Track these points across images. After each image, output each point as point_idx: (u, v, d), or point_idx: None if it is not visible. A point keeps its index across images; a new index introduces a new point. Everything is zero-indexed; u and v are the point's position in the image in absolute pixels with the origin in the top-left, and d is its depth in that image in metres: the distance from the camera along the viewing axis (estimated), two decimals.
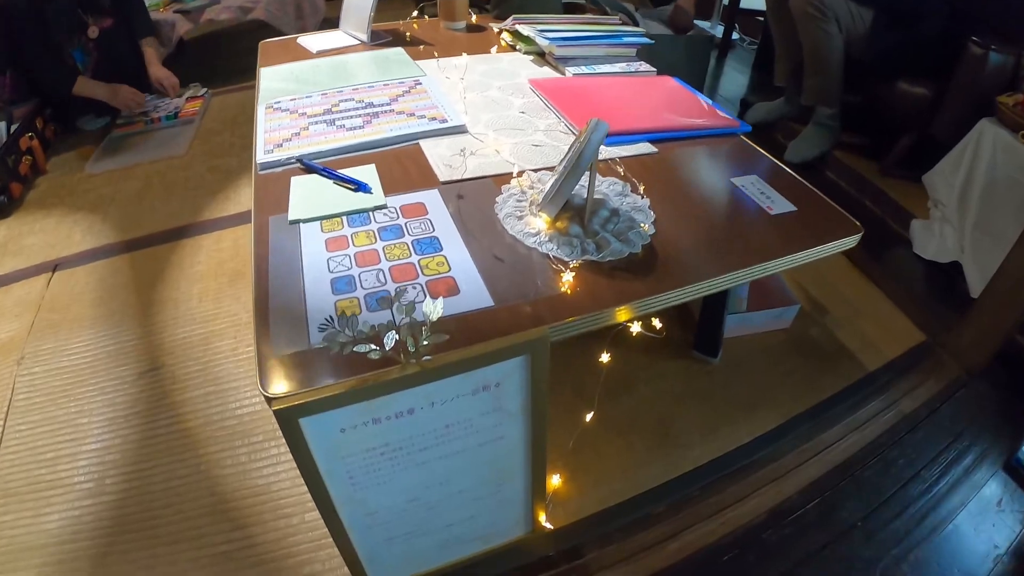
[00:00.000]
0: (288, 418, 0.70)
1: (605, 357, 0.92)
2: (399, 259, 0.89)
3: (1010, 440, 1.24)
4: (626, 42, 1.48)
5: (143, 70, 2.35)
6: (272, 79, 1.44)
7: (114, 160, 2.08)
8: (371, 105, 1.29)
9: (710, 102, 1.34)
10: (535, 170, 1.09)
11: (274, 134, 1.20)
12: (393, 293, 0.78)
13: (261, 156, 1.13)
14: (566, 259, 0.91)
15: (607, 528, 1.05)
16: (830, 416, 1.23)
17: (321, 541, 1.07)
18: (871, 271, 1.60)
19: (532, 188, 1.04)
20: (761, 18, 2.65)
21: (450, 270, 0.88)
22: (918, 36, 1.81)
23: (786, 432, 1.19)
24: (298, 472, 0.76)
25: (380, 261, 0.89)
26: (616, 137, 1.18)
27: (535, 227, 0.95)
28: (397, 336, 0.71)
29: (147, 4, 2.42)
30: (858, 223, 1.00)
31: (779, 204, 1.03)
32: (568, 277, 0.87)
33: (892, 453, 1.21)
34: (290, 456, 0.76)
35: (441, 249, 0.91)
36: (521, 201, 1.01)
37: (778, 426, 1.20)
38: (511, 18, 1.52)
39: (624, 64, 1.46)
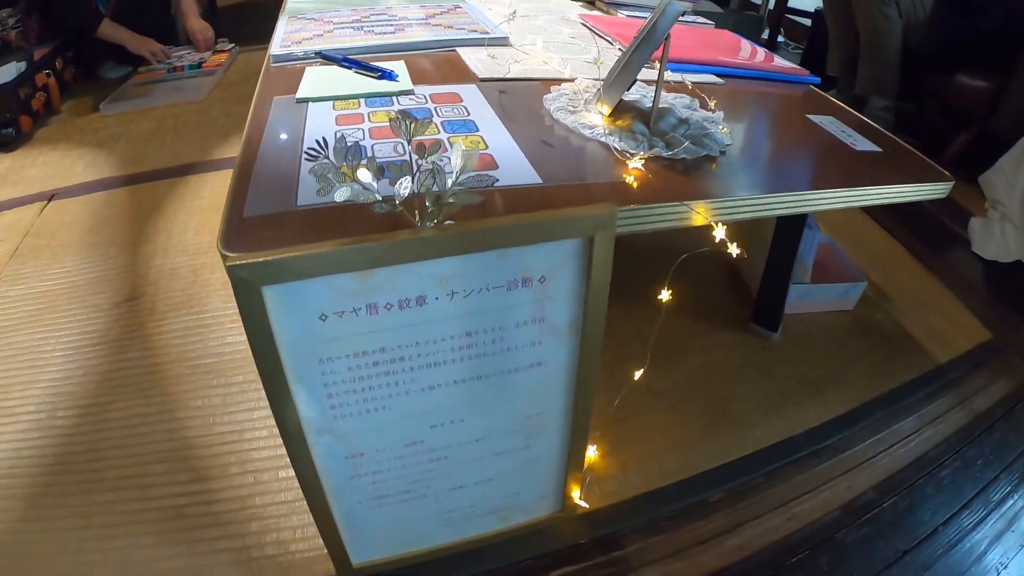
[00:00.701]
0: (248, 284, 0.48)
1: (665, 294, 0.70)
2: (422, 134, 0.68)
3: None
4: None
5: (165, 20, 2.20)
6: (299, 2, 1.25)
7: (129, 103, 1.91)
8: (405, 19, 1.10)
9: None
10: (589, 79, 0.88)
11: (294, 35, 1.01)
12: (397, 114, 0.57)
13: (276, 49, 0.94)
14: (632, 151, 0.69)
15: (654, 514, 0.81)
16: (904, 406, 1.00)
17: (295, 503, 0.83)
18: (932, 264, 1.38)
19: (587, 92, 0.83)
20: (808, 20, 2.48)
21: (486, 148, 0.67)
22: (980, 25, 1.62)
23: (858, 419, 0.95)
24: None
25: (393, 131, 0.68)
26: (680, 64, 0.97)
27: (591, 122, 0.74)
28: (413, 186, 0.50)
29: None
30: (948, 173, 0.81)
31: (862, 143, 0.84)
32: (636, 166, 0.66)
33: (970, 452, 0.97)
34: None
35: (477, 130, 0.70)
36: (574, 99, 0.80)
37: (849, 411, 0.96)
38: None
39: (683, 16, 1.27)
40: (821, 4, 2.36)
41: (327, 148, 0.50)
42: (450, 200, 0.51)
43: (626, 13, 1.24)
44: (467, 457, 0.68)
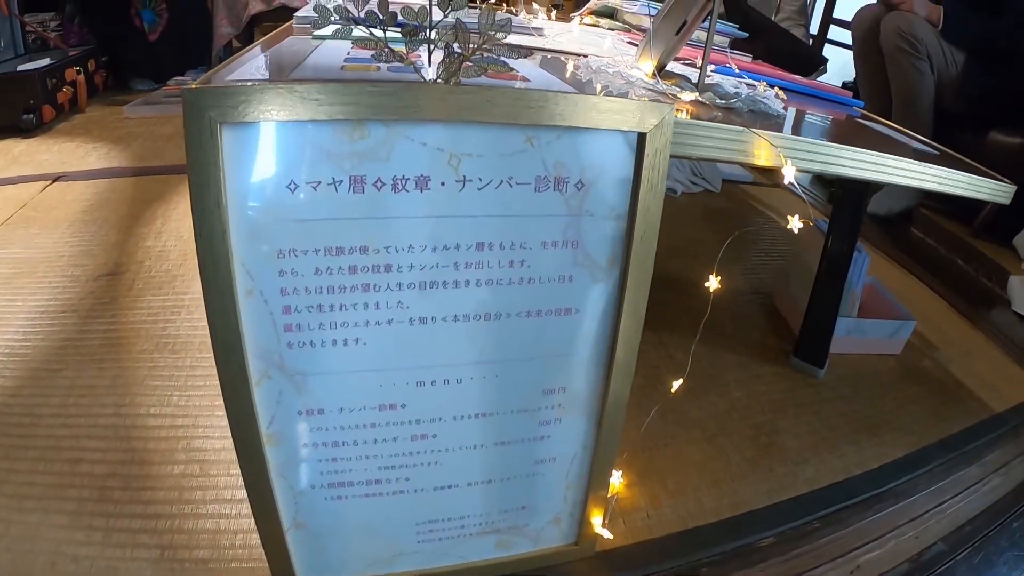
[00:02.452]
0: (202, 117, 0.37)
1: (713, 282, 0.57)
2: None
3: None
4: (719, 29, 1.26)
5: (207, 48, 2.24)
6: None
7: (155, 108, 1.89)
8: None
9: None
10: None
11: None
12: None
13: (303, 13, 0.88)
14: (679, 95, 0.60)
15: (692, 558, 0.63)
16: (966, 453, 0.84)
17: (246, 504, 0.67)
18: (974, 319, 1.26)
19: (625, 58, 0.75)
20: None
21: (515, 71, 0.57)
22: (1013, 83, 1.57)
23: (920, 463, 0.78)
24: None
25: None
26: (727, 68, 0.90)
27: (634, 75, 0.65)
28: (430, 38, 0.40)
29: None
30: (1008, 180, 0.76)
31: (919, 144, 0.76)
32: (690, 98, 0.56)
33: None
34: None
35: (507, 67, 0.61)
36: (613, 65, 0.72)
37: (909, 454, 0.80)
38: None
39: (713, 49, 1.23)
40: (849, 78, 2.37)
41: None
42: (471, 63, 0.40)
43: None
44: (462, 440, 0.52)
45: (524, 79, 0.54)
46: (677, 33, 0.62)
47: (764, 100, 0.66)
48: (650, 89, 0.61)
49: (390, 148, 0.40)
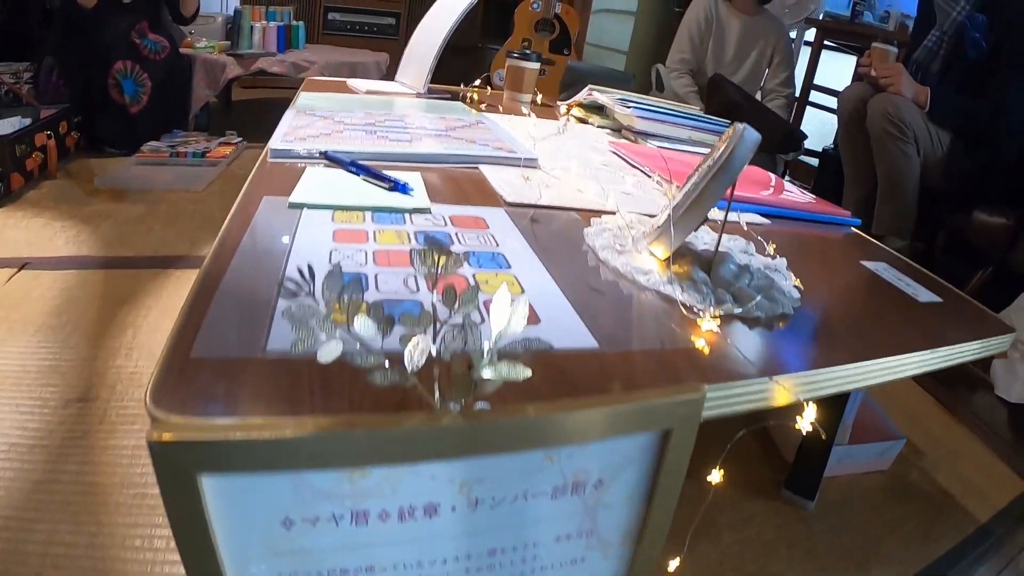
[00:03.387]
0: (177, 470, 0.30)
1: (714, 476, 0.53)
2: (441, 268, 0.53)
3: None
4: (711, 128, 1.22)
5: (185, 104, 2.17)
6: (311, 99, 1.16)
7: (126, 181, 1.79)
8: (423, 128, 0.99)
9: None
10: (635, 214, 0.76)
11: (299, 130, 0.89)
12: (424, 244, 0.41)
13: (275, 143, 0.81)
14: (698, 305, 0.54)
15: None
16: (954, 573, 0.83)
17: None
18: (957, 411, 1.27)
19: (632, 228, 0.70)
20: (815, 161, 2.48)
21: (522, 293, 0.51)
22: (998, 160, 1.58)
23: None
24: None
25: (412, 264, 0.53)
26: (722, 201, 0.86)
27: (645, 265, 0.60)
28: (435, 348, 0.34)
29: (204, 47, 2.25)
30: (1007, 323, 0.72)
31: (923, 293, 0.73)
32: (709, 327, 0.50)
33: None
34: None
35: (508, 267, 0.55)
36: (620, 236, 0.66)
37: None
38: (587, 88, 1.28)
39: (709, 150, 1.19)
40: (830, 144, 2.38)
41: (313, 281, 0.34)
42: (486, 374, 0.34)
43: (656, 143, 1.15)
44: None
45: (534, 314, 0.49)
46: (696, 228, 0.58)
47: (776, 282, 0.62)
48: (664, 296, 0.56)
49: (395, 484, 0.34)
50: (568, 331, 0.47)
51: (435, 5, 1.36)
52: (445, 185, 0.77)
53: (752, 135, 0.57)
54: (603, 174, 0.91)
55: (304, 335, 0.33)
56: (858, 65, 1.83)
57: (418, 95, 1.31)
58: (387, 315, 0.35)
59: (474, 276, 0.52)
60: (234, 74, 2.25)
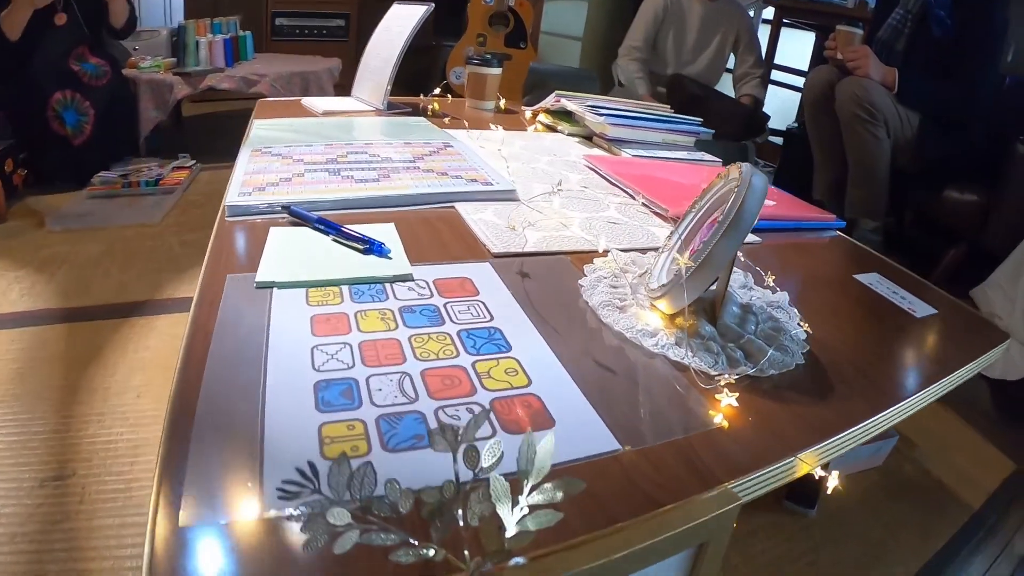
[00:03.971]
0: None
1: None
2: (439, 359, 0.48)
3: None
4: (684, 129, 1.18)
5: (134, 129, 2.02)
6: (266, 128, 1.07)
7: (80, 219, 1.66)
8: (389, 160, 0.92)
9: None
10: (623, 250, 0.71)
11: (256, 176, 0.81)
12: (438, 424, 0.36)
13: (232, 198, 0.73)
14: (711, 371, 0.51)
15: None
16: (951, 569, 0.85)
17: None
18: (943, 395, 1.29)
19: (627, 272, 0.65)
20: (780, 139, 2.47)
21: (529, 384, 0.46)
22: (967, 141, 1.59)
23: None
24: None
25: (406, 360, 0.47)
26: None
27: (648, 323, 0.56)
28: (460, 517, 0.29)
29: (149, 66, 2.10)
30: (999, 328, 0.74)
31: (919, 306, 0.72)
32: (728, 402, 0.47)
33: None
34: None
35: (508, 348, 0.50)
36: (617, 286, 0.62)
37: None
38: (553, 94, 1.22)
39: (685, 152, 1.15)
40: (793, 122, 2.37)
41: (317, 479, 0.28)
42: (518, 529, 0.30)
43: (630, 151, 1.11)
44: None
45: (545, 413, 0.44)
46: (706, 289, 0.53)
47: (781, 323, 0.59)
48: (675, 364, 0.51)
49: None
50: (587, 433, 0.42)
51: (387, 16, 1.27)
52: (422, 234, 0.71)
53: (760, 182, 0.52)
54: (585, 200, 0.86)
55: (315, 533, 0.28)
56: (821, 48, 1.80)
57: (378, 112, 1.23)
58: (404, 490, 0.30)
59: (473, 367, 0.47)
60: (182, 94, 2.11)
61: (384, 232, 0.69)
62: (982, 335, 0.70)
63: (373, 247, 0.63)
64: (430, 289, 0.58)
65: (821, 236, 0.91)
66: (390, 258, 0.63)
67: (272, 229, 0.67)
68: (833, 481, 0.45)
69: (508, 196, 0.83)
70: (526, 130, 1.23)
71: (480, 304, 0.56)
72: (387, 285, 0.58)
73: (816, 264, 0.83)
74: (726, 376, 0.49)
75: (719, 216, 0.53)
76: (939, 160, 1.62)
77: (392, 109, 1.25)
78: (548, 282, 0.63)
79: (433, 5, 1.17)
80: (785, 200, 0.98)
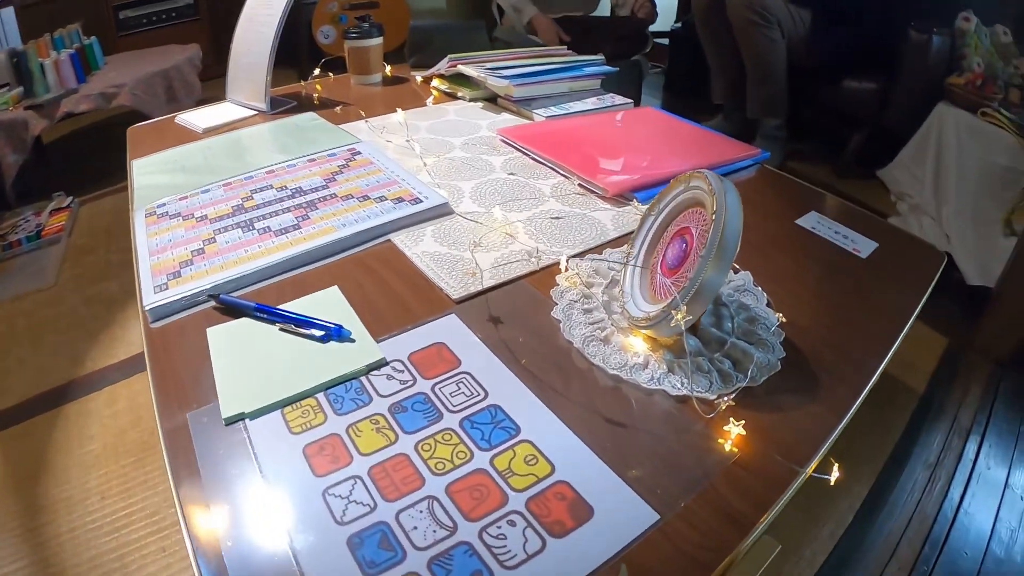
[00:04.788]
0: None
1: None
2: (456, 467, 0.45)
3: None
4: (589, 72, 1.12)
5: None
6: (149, 172, 0.91)
7: None
8: (299, 191, 0.82)
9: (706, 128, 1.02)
10: (578, 255, 0.69)
11: (164, 256, 0.70)
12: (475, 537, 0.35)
13: (149, 298, 0.63)
14: (710, 396, 0.51)
15: None
16: (912, 457, 0.97)
17: None
18: None
19: (593, 283, 0.63)
20: (665, 40, 2.41)
21: (553, 471, 0.45)
22: (859, 31, 1.63)
23: (883, 491, 0.88)
24: None
25: (424, 480, 0.44)
26: (649, 192, 0.81)
27: (635, 351, 0.55)
28: None
29: None
30: (938, 249, 0.77)
31: (861, 243, 0.75)
32: (736, 431, 0.48)
33: (978, 472, 0.95)
34: None
35: (517, 431, 0.48)
36: (590, 308, 0.60)
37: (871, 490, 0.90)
38: (447, 59, 1.11)
39: (595, 99, 1.10)
40: (676, 23, 2.30)
41: None
42: None
43: (540, 111, 1.04)
44: None
45: (583, 504, 0.43)
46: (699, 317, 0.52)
47: (752, 310, 0.60)
48: (675, 398, 0.52)
49: None
50: (625, 512, 0.42)
51: (248, 3, 1.07)
52: (369, 289, 0.65)
53: (734, 200, 0.50)
54: (515, 187, 0.81)
55: None
56: None
57: (263, 116, 1.08)
58: None
59: (493, 466, 0.45)
60: (40, 128, 1.76)
61: (331, 302, 0.62)
62: (923, 261, 0.73)
63: (331, 332, 0.57)
64: (409, 371, 0.54)
65: (750, 173, 0.92)
66: (353, 340, 0.57)
67: (210, 333, 0.59)
68: (835, 475, 0.49)
69: (441, 211, 0.77)
70: (424, 102, 1.12)
71: (468, 378, 0.53)
72: (364, 381, 0.53)
73: (757, 215, 0.82)
74: (725, 399, 0.50)
75: (695, 233, 0.52)
76: (834, 53, 1.64)
77: (276, 108, 1.10)
78: (521, 323, 0.60)
79: None
80: (708, 142, 0.97)
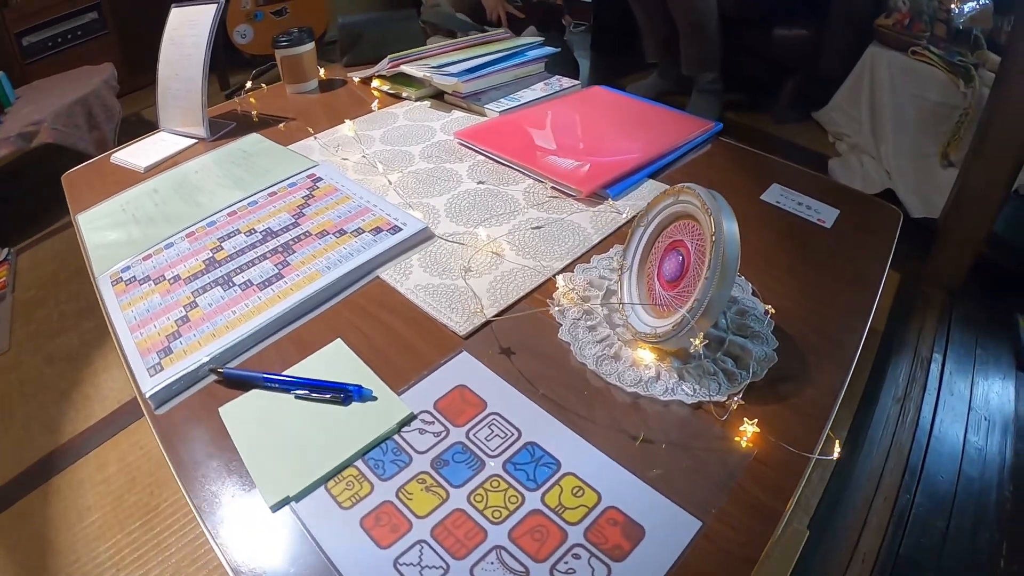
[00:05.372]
0: None
1: None
2: (512, 512, 0.47)
3: (1011, 341, 1.15)
4: (532, 57, 1.10)
5: None
6: (98, 228, 0.84)
7: None
8: (270, 233, 0.78)
9: (653, 103, 1.03)
10: (568, 267, 0.70)
11: (147, 330, 0.67)
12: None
13: (146, 383, 0.61)
14: (720, 398, 0.55)
15: None
16: (883, 394, 1.05)
17: None
18: None
19: (589, 295, 0.65)
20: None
21: (600, 499, 0.48)
22: None
23: (861, 430, 0.97)
24: None
25: (486, 532, 0.46)
26: (619, 186, 0.82)
27: (646, 363, 0.58)
28: None
29: None
30: (893, 206, 0.80)
31: (825, 212, 0.79)
32: (751, 431, 0.52)
33: (943, 399, 1.05)
34: None
35: (558, 465, 0.50)
36: (594, 324, 0.62)
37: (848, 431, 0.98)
38: (386, 60, 1.05)
39: (542, 84, 1.08)
40: None
41: None
42: None
43: (490, 106, 1.02)
44: None
45: (634, 527, 0.46)
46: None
47: (747, 310, 0.63)
48: (690, 406, 0.55)
49: None
50: (673, 525, 0.46)
51: (169, 25, 0.97)
52: (374, 337, 0.63)
53: (731, 225, 0.52)
54: (488, 198, 0.81)
55: None
56: None
57: (205, 145, 1.00)
58: None
59: (544, 503, 0.47)
60: None
61: (339, 357, 0.61)
62: (883, 222, 0.77)
63: (353, 393, 0.57)
64: (439, 421, 0.55)
65: (707, 148, 0.93)
66: (375, 398, 0.57)
67: (224, 414, 0.57)
68: (836, 452, 0.54)
69: (422, 236, 0.76)
70: (370, 107, 1.07)
71: (497, 419, 0.54)
72: (400, 440, 0.54)
73: (724, 195, 0.85)
74: (735, 399, 0.54)
75: (690, 247, 0.54)
76: (764, 2, 1.64)
77: (216, 132, 1.02)
78: (531, 350, 0.61)
79: (224, 1, 0.91)
80: (662, 121, 0.97)
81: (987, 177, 1.14)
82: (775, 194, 0.81)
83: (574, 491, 0.49)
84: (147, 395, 0.60)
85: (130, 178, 0.94)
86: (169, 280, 0.73)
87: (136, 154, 0.99)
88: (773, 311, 0.62)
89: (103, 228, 0.85)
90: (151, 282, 0.74)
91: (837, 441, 0.53)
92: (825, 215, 0.77)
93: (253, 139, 1.00)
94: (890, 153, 1.40)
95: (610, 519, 0.47)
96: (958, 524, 0.78)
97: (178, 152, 0.98)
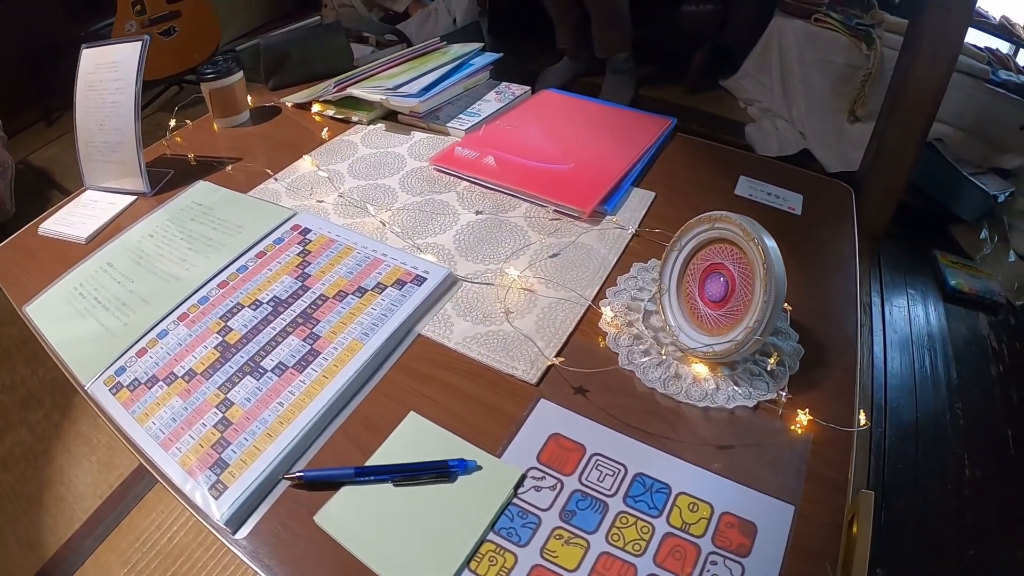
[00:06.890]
0: None
1: None
2: (648, 541, 0.50)
3: (935, 275, 1.32)
4: (479, 65, 1.05)
5: None
6: (58, 321, 0.69)
7: None
8: (279, 302, 0.70)
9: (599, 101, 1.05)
10: (599, 293, 0.71)
11: (183, 445, 0.58)
12: None
13: (216, 509, 0.54)
14: (772, 396, 0.61)
15: None
16: None
17: None
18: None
19: (631, 319, 0.67)
20: None
21: (713, 509, 0.52)
22: None
23: None
24: None
25: (634, 565, 0.49)
26: (613, 200, 0.83)
27: (704, 376, 0.62)
28: None
29: None
30: (844, 184, 0.88)
31: (792, 199, 0.86)
32: (802, 418, 0.59)
33: (888, 338, 1.19)
34: None
35: (669, 489, 0.54)
36: (646, 348, 0.65)
37: None
38: (331, 83, 0.95)
39: (494, 93, 1.04)
40: None
41: None
42: None
43: (451, 123, 0.97)
44: None
45: (745, 526, 0.51)
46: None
47: (779, 325, 0.68)
48: (745, 407, 0.60)
49: None
50: (774, 514, 0.51)
51: (82, 70, 0.78)
52: (445, 402, 0.60)
53: (772, 245, 0.57)
54: (494, 228, 0.79)
55: None
56: None
57: (149, 202, 0.85)
58: None
59: (670, 524, 0.51)
60: None
61: (420, 432, 0.58)
62: (840, 200, 0.84)
63: (457, 466, 0.55)
64: (549, 475, 0.55)
65: (672, 145, 0.96)
66: (480, 467, 0.56)
67: (321, 521, 0.52)
68: (863, 421, 0.63)
69: (448, 283, 0.72)
70: (320, 136, 0.97)
71: (601, 459, 0.56)
72: (518, 501, 0.54)
73: (703, 194, 0.86)
74: (783, 394, 0.61)
75: (734, 271, 0.58)
76: None
77: (157, 185, 0.87)
78: (600, 384, 0.62)
79: (148, 37, 0.75)
80: (625, 124, 0.97)
81: (903, 132, 1.24)
82: (746, 187, 0.87)
83: (690, 507, 0.53)
84: (223, 521, 0.53)
85: (70, 253, 0.78)
86: (183, 377, 0.64)
87: (68, 222, 0.81)
88: (790, 308, 0.69)
89: (63, 319, 0.71)
90: (161, 383, 0.64)
91: (862, 411, 0.63)
92: (793, 202, 0.85)
93: (204, 188, 0.86)
94: (802, 115, 1.53)
95: (727, 523, 0.51)
96: (924, 445, 0.95)
97: (119, 214, 0.83)
